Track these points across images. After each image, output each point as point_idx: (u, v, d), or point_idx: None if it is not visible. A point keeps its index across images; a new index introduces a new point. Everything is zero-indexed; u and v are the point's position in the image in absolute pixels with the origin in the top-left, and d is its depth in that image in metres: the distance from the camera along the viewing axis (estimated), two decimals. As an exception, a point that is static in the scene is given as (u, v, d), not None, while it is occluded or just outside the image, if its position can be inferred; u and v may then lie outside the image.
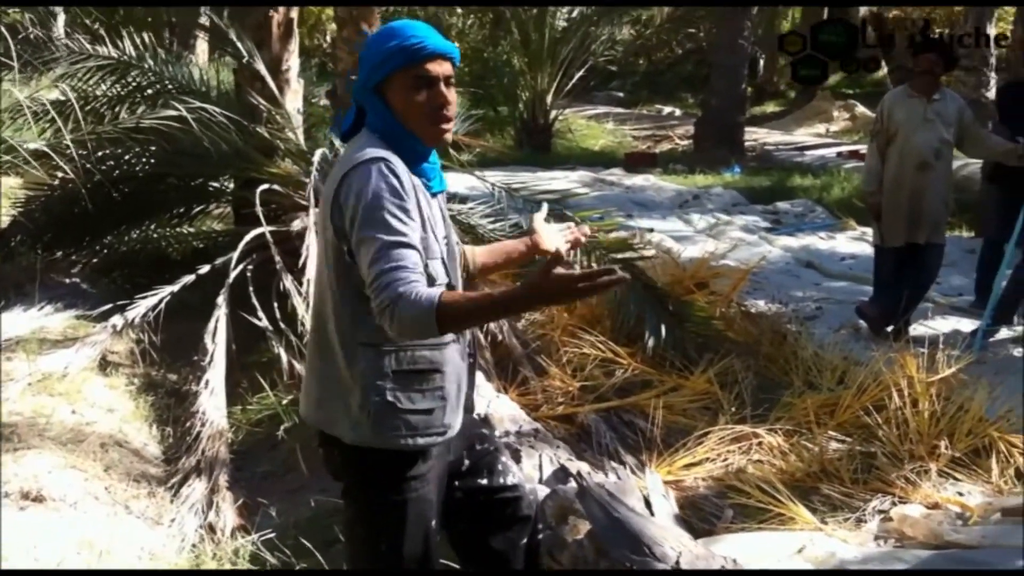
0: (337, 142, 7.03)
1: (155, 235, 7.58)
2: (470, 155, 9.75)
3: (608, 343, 5.26)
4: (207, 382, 5.07)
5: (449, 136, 2.48)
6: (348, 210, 2.35)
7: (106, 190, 6.85)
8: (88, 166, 6.57)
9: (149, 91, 7.59)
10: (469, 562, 2.77)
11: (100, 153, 6.78)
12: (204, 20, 15.31)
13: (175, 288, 5.85)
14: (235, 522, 4.17)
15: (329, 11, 23.49)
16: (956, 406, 4.63)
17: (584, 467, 3.64)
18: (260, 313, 5.55)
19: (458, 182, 7.40)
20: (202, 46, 17.89)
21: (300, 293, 5.49)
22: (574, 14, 16.32)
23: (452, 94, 2.46)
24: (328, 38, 24.13)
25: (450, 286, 2.47)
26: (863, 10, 22.39)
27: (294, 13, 7.59)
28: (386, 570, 2.50)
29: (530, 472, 3.67)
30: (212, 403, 4.95)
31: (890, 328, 6.39)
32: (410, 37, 2.42)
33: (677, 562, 2.72)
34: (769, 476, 4.25)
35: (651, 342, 5.42)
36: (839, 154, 15.75)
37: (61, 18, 14.04)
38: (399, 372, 2.42)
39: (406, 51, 2.41)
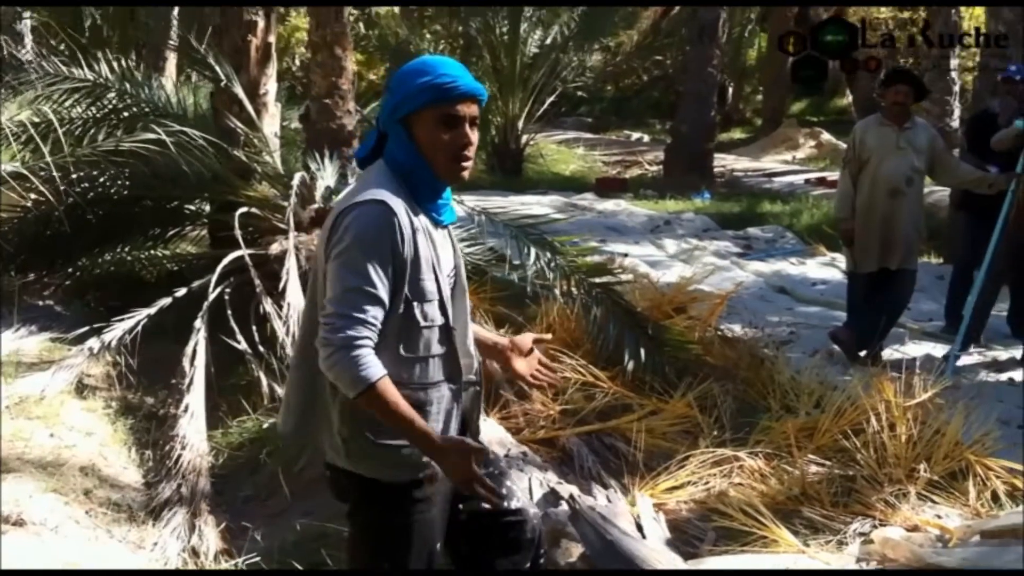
0: (313, 166, 7.07)
1: (129, 257, 7.55)
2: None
3: (588, 367, 5.28)
4: (187, 406, 5.06)
5: (466, 175, 2.53)
6: (337, 246, 2.41)
7: (80, 212, 6.82)
8: (63, 188, 6.53)
9: (125, 113, 7.57)
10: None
11: (75, 175, 6.74)
12: (175, 40, 15.34)
13: (152, 311, 5.84)
14: (218, 546, 4.15)
15: (299, 34, 23.53)
16: (933, 430, 4.69)
17: (574, 490, 3.65)
18: (239, 336, 5.55)
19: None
20: (170, 68, 17.82)
21: (280, 316, 5.48)
22: (547, 41, 16.45)
23: (475, 135, 2.51)
24: (297, 61, 24.08)
25: (448, 327, 2.52)
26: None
27: (272, 37, 7.61)
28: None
29: (519, 495, 3.67)
30: (192, 427, 4.94)
31: (864, 353, 6.47)
32: (443, 75, 2.45)
33: (671, 584, 2.75)
34: (752, 499, 4.28)
35: (631, 366, 5.45)
36: (807, 181, 15.95)
37: (28, 39, 13.99)
38: None
39: (438, 89, 2.44)
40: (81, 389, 5.57)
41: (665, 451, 4.85)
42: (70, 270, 7.24)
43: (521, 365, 2.82)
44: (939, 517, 4.27)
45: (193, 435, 4.85)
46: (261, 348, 5.51)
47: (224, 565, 3.95)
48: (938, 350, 6.78)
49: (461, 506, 2.67)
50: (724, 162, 18.11)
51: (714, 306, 6.29)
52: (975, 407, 5.02)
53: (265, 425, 5.09)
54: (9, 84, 6.88)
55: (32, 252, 7.17)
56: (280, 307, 5.52)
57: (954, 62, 14.66)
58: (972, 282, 7.28)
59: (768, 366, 5.82)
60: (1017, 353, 6.80)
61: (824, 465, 4.68)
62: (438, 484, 2.51)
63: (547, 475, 3.89)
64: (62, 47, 10.40)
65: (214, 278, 5.97)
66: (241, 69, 7.30)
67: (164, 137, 6.37)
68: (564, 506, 3.34)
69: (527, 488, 3.68)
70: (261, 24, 7.40)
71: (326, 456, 2.55)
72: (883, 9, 19.77)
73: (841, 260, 9.60)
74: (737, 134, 23.58)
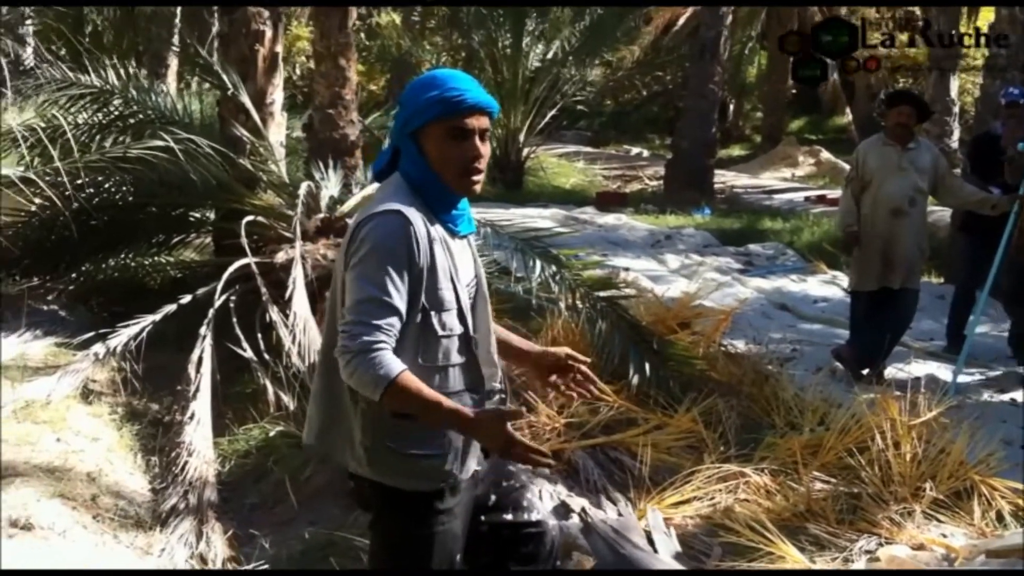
0: (318, 176, 7.09)
1: (133, 264, 7.56)
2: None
3: (595, 379, 5.27)
4: (192, 413, 5.06)
5: (478, 188, 2.54)
6: (354, 256, 2.44)
7: (84, 218, 6.82)
8: (68, 193, 6.54)
9: (131, 120, 7.60)
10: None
11: (79, 181, 6.75)
12: (176, 48, 15.37)
13: (157, 317, 5.85)
14: (226, 553, 4.15)
15: (300, 44, 23.59)
16: (937, 449, 4.71)
17: (585, 503, 3.66)
18: (244, 344, 5.56)
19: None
20: (171, 75, 17.86)
21: (286, 325, 5.49)
22: (548, 55, 16.51)
23: (486, 147, 2.52)
24: (298, 70, 24.12)
25: (468, 336, 2.54)
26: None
27: (279, 47, 7.65)
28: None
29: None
30: (198, 434, 4.94)
31: (867, 371, 6.50)
32: (451, 89, 2.47)
33: (685, 598, 2.76)
34: (757, 515, 4.29)
35: (636, 380, 5.46)
36: (807, 198, 16.01)
37: (30, 44, 14.02)
38: (400, 416, 2.46)
39: (446, 102, 2.46)
40: (87, 394, 5.57)
41: (670, 466, 4.85)
42: (74, 275, 7.24)
43: (550, 375, 2.81)
44: (944, 536, 4.28)
45: (199, 442, 4.86)
46: (267, 356, 5.52)
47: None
48: (942, 370, 6.80)
49: (483, 517, 2.68)
50: (724, 178, 18.16)
51: (718, 322, 6.31)
52: (979, 427, 5.04)
53: (271, 433, 5.10)
54: (18, 89, 6.88)
55: (36, 257, 7.17)
56: (286, 315, 5.53)
57: (954, 84, 14.77)
58: (973, 302, 7.33)
59: (772, 383, 5.82)
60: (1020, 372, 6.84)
61: (829, 482, 4.69)
62: (460, 495, 2.52)
63: (557, 487, 3.90)
64: (63, 52, 10.43)
65: (220, 286, 5.98)
66: (248, 78, 7.34)
67: (172, 144, 6.39)
68: (575, 519, 3.35)
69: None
70: (269, 34, 7.44)
71: (349, 466, 2.55)
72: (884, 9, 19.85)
73: (842, 278, 9.65)
74: (736, 151, 23.65)
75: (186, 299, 6.06)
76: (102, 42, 15.00)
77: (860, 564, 4.04)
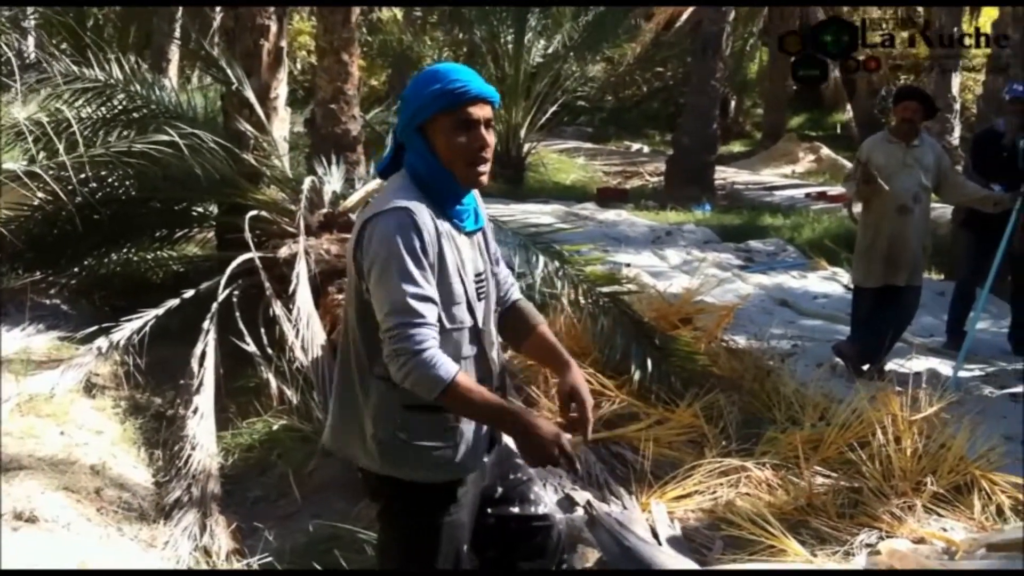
0: (320, 171, 7.11)
1: (135, 258, 7.58)
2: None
3: (596, 375, 5.31)
4: (196, 407, 5.08)
5: (485, 179, 2.55)
6: (367, 256, 2.46)
7: (87, 212, 6.84)
8: (71, 188, 6.56)
9: (135, 115, 7.60)
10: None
11: (82, 175, 6.76)
12: (179, 42, 15.36)
13: (160, 311, 5.87)
14: (230, 546, 4.16)
15: (301, 38, 23.61)
16: (938, 444, 4.73)
17: (589, 496, 3.68)
18: (248, 338, 5.58)
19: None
20: (172, 69, 17.86)
21: (290, 319, 5.51)
22: (549, 50, 16.51)
23: (491, 137, 2.55)
24: (299, 65, 24.12)
25: (477, 329, 2.56)
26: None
27: (283, 42, 7.66)
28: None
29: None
30: (202, 427, 4.96)
31: (867, 367, 6.51)
32: (453, 81, 2.50)
33: (689, 590, 2.78)
34: (760, 509, 4.31)
35: (637, 375, 5.48)
36: (808, 195, 16.01)
37: (32, 37, 13.99)
38: (410, 408, 2.48)
39: (449, 95, 2.48)
40: (90, 388, 5.59)
41: (672, 460, 4.88)
42: (76, 269, 7.26)
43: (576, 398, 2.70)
44: (945, 530, 4.31)
45: (203, 435, 4.88)
46: (270, 350, 5.54)
47: (236, 565, 3.97)
48: (942, 366, 6.82)
49: (489, 510, 2.70)
50: (725, 175, 18.16)
51: (720, 318, 6.33)
52: (980, 422, 5.07)
53: (275, 427, 5.12)
54: (25, 83, 6.88)
55: (39, 251, 7.20)
56: (290, 310, 5.55)
57: (956, 80, 14.76)
58: (974, 299, 7.35)
59: (773, 378, 5.85)
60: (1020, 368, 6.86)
61: (830, 477, 4.72)
62: (468, 486, 2.54)
63: (561, 480, 3.92)
64: (63, 46, 10.42)
65: (223, 280, 6.00)
66: (252, 73, 7.36)
67: (176, 139, 6.40)
68: (580, 512, 3.37)
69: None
70: (273, 28, 7.46)
71: (360, 462, 2.57)
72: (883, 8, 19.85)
73: (842, 275, 9.68)
74: (737, 147, 23.64)
75: (189, 293, 6.08)
76: (104, 35, 14.98)
77: (861, 558, 4.06)
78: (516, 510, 2.73)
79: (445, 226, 2.52)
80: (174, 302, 5.97)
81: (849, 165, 9.07)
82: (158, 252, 7.70)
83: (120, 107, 7.57)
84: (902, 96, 6.72)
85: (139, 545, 4.14)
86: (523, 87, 16.23)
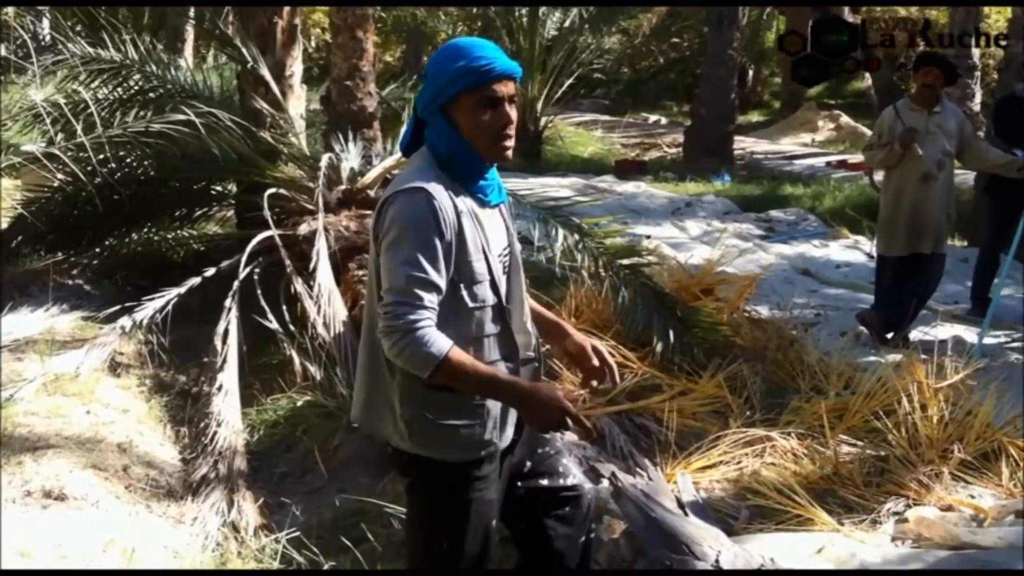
0: (337, 148, 7.10)
1: (156, 238, 7.61)
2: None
3: (618, 347, 5.30)
4: (220, 384, 5.10)
5: (509, 154, 2.53)
6: (383, 234, 2.45)
7: (106, 193, 6.86)
8: (90, 169, 6.58)
9: (151, 95, 7.61)
10: (530, 559, 2.82)
11: (101, 156, 6.77)
12: (193, 22, 15.34)
13: (182, 290, 5.89)
14: (257, 521, 4.19)
15: (315, 16, 23.53)
16: (964, 411, 4.70)
17: (613, 468, 3.68)
18: (270, 315, 5.60)
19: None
20: (187, 49, 17.84)
21: (311, 296, 5.52)
22: (565, 23, 16.40)
23: (515, 113, 2.52)
24: (313, 42, 24.06)
25: (501, 307, 2.54)
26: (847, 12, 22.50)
27: (298, 19, 7.63)
28: (446, 568, 2.54)
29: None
30: (227, 404, 4.98)
31: (892, 335, 6.48)
32: (478, 58, 2.46)
33: (717, 560, 2.77)
34: (786, 478, 4.30)
35: (660, 347, 5.47)
36: (828, 163, 15.89)
37: (46, 22, 14.01)
38: (433, 387, 2.47)
39: (474, 72, 2.45)
40: (115, 367, 5.62)
41: (696, 431, 4.87)
42: (98, 250, 7.29)
43: (574, 359, 2.79)
44: (972, 497, 4.29)
45: (228, 412, 4.90)
46: (292, 327, 5.55)
47: (264, 540, 3.99)
48: (967, 333, 6.77)
49: (519, 484, 2.70)
50: (743, 144, 18.05)
51: (742, 288, 6.29)
52: (1006, 389, 5.03)
53: (299, 403, 5.14)
54: (41, 65, 6.89)
55: (60, 232, 7.23)
56: (310, 287, 5.56)
57: (976, 49, 14.57)
58: (998, 265, 7.28)
59: (796, 348, 5.82)
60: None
61: (856, 446, 4.70)
62: (496, 463, 2.54)
63: (586, 452, 3.92)
64: (78, 28, 10.42)
65: (243, 258, 6.01)
66: (267, 51, 7.35)
67: (193, 118, 6.40)
68: (605, 483, 3.37)
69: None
70: (287, 6, 7.42)
71: (391, 440, 2.57)
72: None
73: (864, 243, 9.61)
74: (755, 117, 23.49)
75: (210, 272, 6.10)
76: (118, 16, 14.98)
77: (888, 526, 4.04)
78: (545, 483, 2.73)
79: (467, 203, 2.51)
80: (195, 281, 6.00)
81: (869, 133, 8.96)
82: (178, 231, 7.72)
83: (136, 87, 7.59)
84: (923, 62, 6.62)
85: (168, 522, 4.17)
86: (539, 60, 16.12)
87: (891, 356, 5.59)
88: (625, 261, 5.99)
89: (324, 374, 5.22)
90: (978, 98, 14.91)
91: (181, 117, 6.51)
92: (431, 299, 2.40)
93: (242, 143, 6.82)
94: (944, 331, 6.82)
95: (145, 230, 7.50)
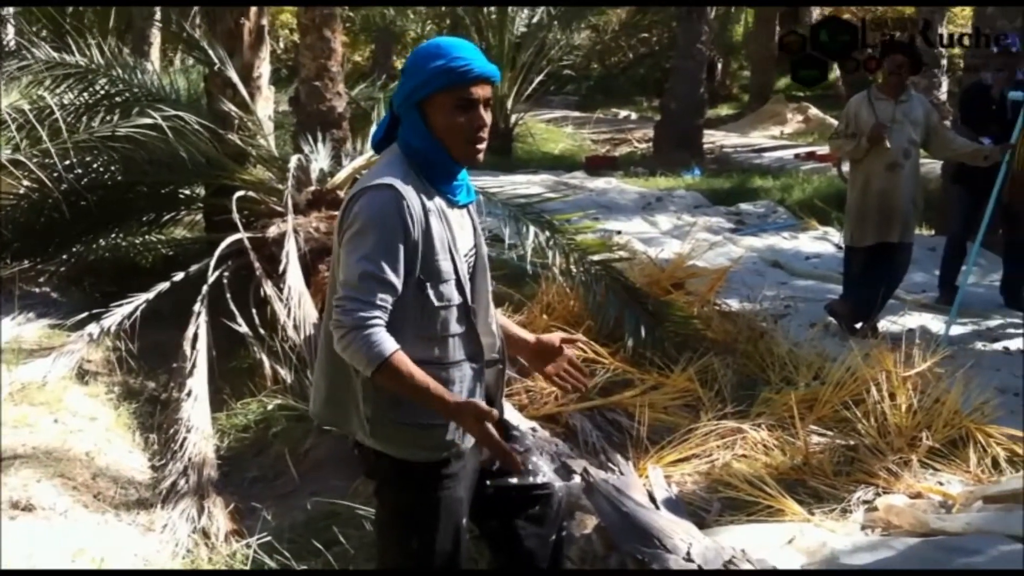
0: (306, 149, 7.07)
1: (124, 243, 7.55)
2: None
3: (590, 343, 5.30)
4: (190, 389, 5.07)
5: (481, 157, 2.53)
6: (347, 227, 2.45)
7: (74, 199, 6.80)
8: (57, 175, 6.52)
9: (118, 99, 7.55)
10: (500, 556, 2.83)
11: (67, 162, 6.72)
12: (159, 24, 15.23)
13: (150, 296, 5.85)
14: (228, 527, 4.17)
15: (284, 16, 23.42)
16: (932, 399, 4.74)
17: (585, 464, 3.68)
18: (239, 319, 5.57)
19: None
20: (154, 52, 17.71)
21: (281, 299, 5.49)
22: (534, 20, 16.40)
23: (489, 116, 2.51)
24: (281, 43, 23.95)
25: (467, 306, 2.53)
26: (816, 11, 22.67)
27: (265, 20, 7.60)
28: (417, 567, 2.54)
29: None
30: (196, 409, 4.95)
31: (860, 325, 6.52)
32: (457, 59, 2.45)
33: (688, 553, 2.78)
34: (757, 470, 4.32)
35: (631, 342, 5.48)
36: (796, 156, 15.97)
37: (10, 27, 13.87)
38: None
39: (452, 72, 2.44)
40: (82, 375, 5.58)
41: (668, 425, 4.88)
42: (65, 256, 7.22)
43: (547, 364, 2.81)
44: (941, 484, 4.33)
45: (198, 418, 4.87)
46: (262, 331, 5.53)
47: (235, 546, 3.97)
48: (935, 321, 6.83)
49: (488, 481, 2.70)
50: (713, 138, 18.12)
51: (713, 281, 6.31)
52: (973, 376, 5.07)
53: (270, 407, 5.12)
54: (5, 71, 6.82)
55: (27, 239, 7.16)
56: (280, 289, 5.54)
57: (943, 30, 14.67)
58: (965, 254, 7.35)
59: (767, 339, 5.84)
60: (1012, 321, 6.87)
61: (826, 435, 4.73)
62: (464, 460, 2.54)
63: (559, 448, 3.93)
64: (43, 33, 10.33)
65: (212, 262, 5.98)
66: (234, 52, 7.31)
67: (160, 121, 6.36)
68: (577, 478, 3.37)
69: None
70: (254, 7, 7.38)
71: (356, 435, 2.56)
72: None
73: (834, 234, 9.67)
74: (724, 110, 23.56)
75: (179, 276, 6.07)
76: (84, 20, 14.84)
77: (858, 514, 4.07)
78: (515, 480, 2.72)
79: (436, 202, 2.50)
80: (164, 286, 5.96)
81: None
82: (146, 236, 7.66)
83: (102, 92, 7.51)
84: (889, 49, 6.66)
85: (137, 530, 4.14)
86: (508, 57, 16.11)
87: (860, 346, 5.61)
88: (596, 257, 6.00)
89: (295, 377, 5.20)
90: (945, 87, 15.01)
91: (148, 121, 6.47)
92: (384, 298, 2.39)
93: (210, 146, 6.79)
94: (912, 320, 6.90)
95: (113, 235, 7.43)
